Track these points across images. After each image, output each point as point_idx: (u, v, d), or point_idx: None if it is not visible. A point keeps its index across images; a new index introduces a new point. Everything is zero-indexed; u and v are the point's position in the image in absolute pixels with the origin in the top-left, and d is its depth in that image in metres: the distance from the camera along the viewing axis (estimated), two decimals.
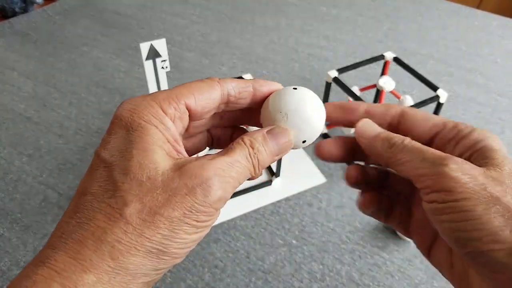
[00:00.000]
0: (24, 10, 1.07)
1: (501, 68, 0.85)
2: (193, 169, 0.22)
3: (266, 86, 0.27)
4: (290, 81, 0.80)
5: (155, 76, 0.58)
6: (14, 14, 1.05)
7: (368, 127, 0.27)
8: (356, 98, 0.58)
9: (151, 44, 0.54)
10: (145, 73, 0.59)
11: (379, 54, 0.67)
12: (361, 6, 1.03)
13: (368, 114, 0.28)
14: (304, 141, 0.27)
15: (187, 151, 0.26)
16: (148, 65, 0.56)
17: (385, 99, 0.75)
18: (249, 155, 0.24)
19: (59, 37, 0.91)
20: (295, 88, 0.26)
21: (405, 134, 0.26)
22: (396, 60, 0.64)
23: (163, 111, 0.23)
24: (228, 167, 0.22)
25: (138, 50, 0.87)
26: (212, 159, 0.22)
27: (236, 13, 1.00)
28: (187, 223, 0.21)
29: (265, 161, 0.24)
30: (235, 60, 0.85)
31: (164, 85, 0.60)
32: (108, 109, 0.74)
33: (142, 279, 0.21)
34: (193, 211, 0.21)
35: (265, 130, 0.25)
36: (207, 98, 0.25)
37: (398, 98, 0.65)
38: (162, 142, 0.22)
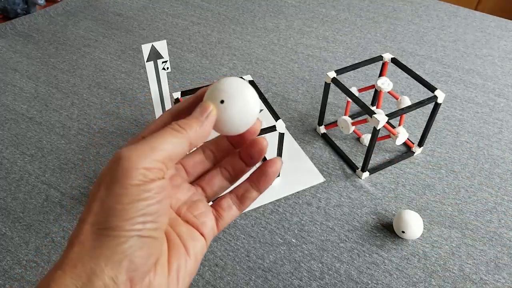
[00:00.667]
0: (26, 12, 1.07)
1: (499, 69, 0.85)
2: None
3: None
4: (289, 81, 0.81)
5: (156, 76, 0.59)
6: (16, 15, 1.06)
7: None
8: (355, 98, 0.59)
9: (152, 45, 0.55)
10: (146, 74, 0.59)
11: (378, 55, 0.67)
12: (360, 7, 1.04)
13: None
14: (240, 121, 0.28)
15: (189, 170, 0.32)
16: (149, 66, 0.57)
17: (383, 99, 0.76)
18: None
19: (61, 38, 0.92)
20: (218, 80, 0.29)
21: None
22: (394, 61, 0.65)
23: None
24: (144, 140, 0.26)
25: (139, 51, 0.87)
26: None
27: (236, 14, 1.01)
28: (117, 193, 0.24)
29: (190, 123, 0.27)
30: (235, 61, 0.86)
31: (165, 86, 0.61)
32: (109, 110, 0.74)
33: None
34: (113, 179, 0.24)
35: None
36: (178, 157, 0.27)
37: (396, 98, 0.66)
38: None
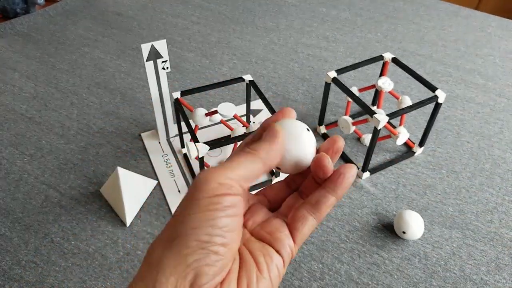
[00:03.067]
0: (26, 11, 1.07)
1: (499, 69, 0.85)
2: None
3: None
4: (289, 81, 0.81)
5: (156, 76, 0.59)
6: (16, 15, 1.06)
7: None
8: (355, 98, 0.58)
9: (152, 45, 0.55)
10: (146, 74, 0.59)
11: (378, 54, 0.67)
12: (360, 7, 1.04)
13: None
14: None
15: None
16: (149, 65, 0.57)
17: (384, 99, 0.76)
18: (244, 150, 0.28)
19: (61, 37, 0.92)
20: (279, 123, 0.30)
21: None
22: (395, 60, 0.64)
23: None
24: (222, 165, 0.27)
25: (139, 51, 0.87)
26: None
27: (236, 14, 1.00)
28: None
29: (260, 144, 0.28)
30: (235, 61, 0.86)
31: (164, 85, 0.60)
32: (109, 110, 0.74)
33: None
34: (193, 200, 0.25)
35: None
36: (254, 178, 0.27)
37: (397, 98, 0.65)
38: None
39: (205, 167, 0.57)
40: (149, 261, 0.25)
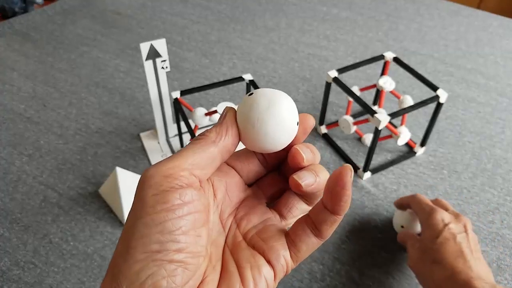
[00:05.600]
0: (24, 10, 1.07)
1: (501, 68, 0.85)
2: None
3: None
4: (290, 81, 0.80)
5: (155, 76, 0.58)
6: (14, 14, 1.05)
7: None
8: (356, 98, 0.58)
9: (151, 44, 0.54)
10: (145, 73, 0.59)
11: (379, 54, 0.67)
12: (361, 5, 1.03)
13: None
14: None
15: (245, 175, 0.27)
16: (148, 65, 0.56)
17: (385, 99, 0.75)
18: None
19: (59, 37, 0.91)
20: (251, 94, 0.25)
21: None
22: (396, 60, 0.64)
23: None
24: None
25: (138, 50, 0.87)
26: None
27: (236, 13, 1.00)
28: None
29: (209, 129, 0.25)
30: (235, 60, 0.85)
31: (164, 85, 0.60)
32: (108, 109, 0.74)
33: None
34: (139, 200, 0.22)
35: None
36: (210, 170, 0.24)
37: (398, 98, 0.65)
38: None
39: None
40: (106, 279, 0.22)
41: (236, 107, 0.26)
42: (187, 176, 0.22)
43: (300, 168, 0.25)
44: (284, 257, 0.24)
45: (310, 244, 0.25)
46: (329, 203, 0.23)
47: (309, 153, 0.25)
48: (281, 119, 0.24)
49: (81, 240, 0.55)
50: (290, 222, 0.27)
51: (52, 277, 0.51)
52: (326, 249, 0.54)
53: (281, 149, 0.25)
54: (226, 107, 0.25)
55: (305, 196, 0.27)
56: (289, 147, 0.25)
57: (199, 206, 0.22)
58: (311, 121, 0.26)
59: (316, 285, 0.51)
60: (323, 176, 0.25)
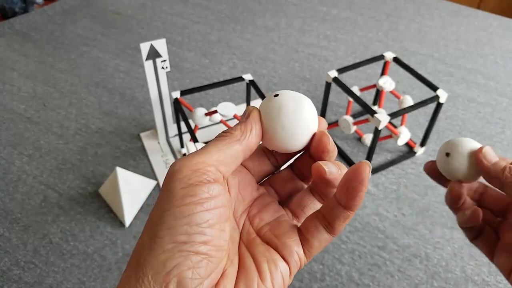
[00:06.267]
0: (24, 10, 1.07)
1: (501, 68, 0.85)
2: None
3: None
4: (290, 81, 0.80)
5: (155, 76, 0.58)
6: (14, 14, 1.05)
7: (492, 153, 0.32)
8: (356, 98, 0.58)
9: (151, 44, 0.54)
10: (145, 73, 0.59)
11: (379, 54, 0.67)
12: (361, 5, 1.03)
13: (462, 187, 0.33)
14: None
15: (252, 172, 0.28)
16: (148, 65, 0.56)
17: (385, 99, 0.75)
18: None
19: (59, 37, 0.91)
20: (276, 95, 0.26)
21: (485, 205, 0.34)
22: (396, 60, 0.64)
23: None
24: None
25: (138, 50, 0.87)
26: None
27: (236, 13, 1.00)
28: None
29: (233, 127, 0.26)
30: (235, 60, 0.85)
31: (164, 85, 0.60)
32: (108, 109, 0.74)
33: None
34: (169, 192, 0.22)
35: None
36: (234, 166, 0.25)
37: (398, 98, 0.65)
38: None
39: None
40: (130, 269, 0.22)
41: (258, 106, 0.27)
42: (214, 172, 0.23)
43: (323, 180, 0.25)
44: (297, 253, 0.25)
45: (323, 240, 0.26)
46: (343, 198, 0.24)
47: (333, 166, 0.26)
48: (306, 122, 0.25)
49: (81, 240, 0.55)
50: (303, 221, 0.28)
51: (52, 277, 0.51)
52: (326, 249, 0.54)
53: (301, 148, 0.26)
54: (250, 106, 0.26)
55: (321, 188, 0.27)
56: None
57: (224, 201, 0.23)
58: (324, 124, 0.27)
59: (316, 285, 0.51)
60: (344, 171, 0.25)
